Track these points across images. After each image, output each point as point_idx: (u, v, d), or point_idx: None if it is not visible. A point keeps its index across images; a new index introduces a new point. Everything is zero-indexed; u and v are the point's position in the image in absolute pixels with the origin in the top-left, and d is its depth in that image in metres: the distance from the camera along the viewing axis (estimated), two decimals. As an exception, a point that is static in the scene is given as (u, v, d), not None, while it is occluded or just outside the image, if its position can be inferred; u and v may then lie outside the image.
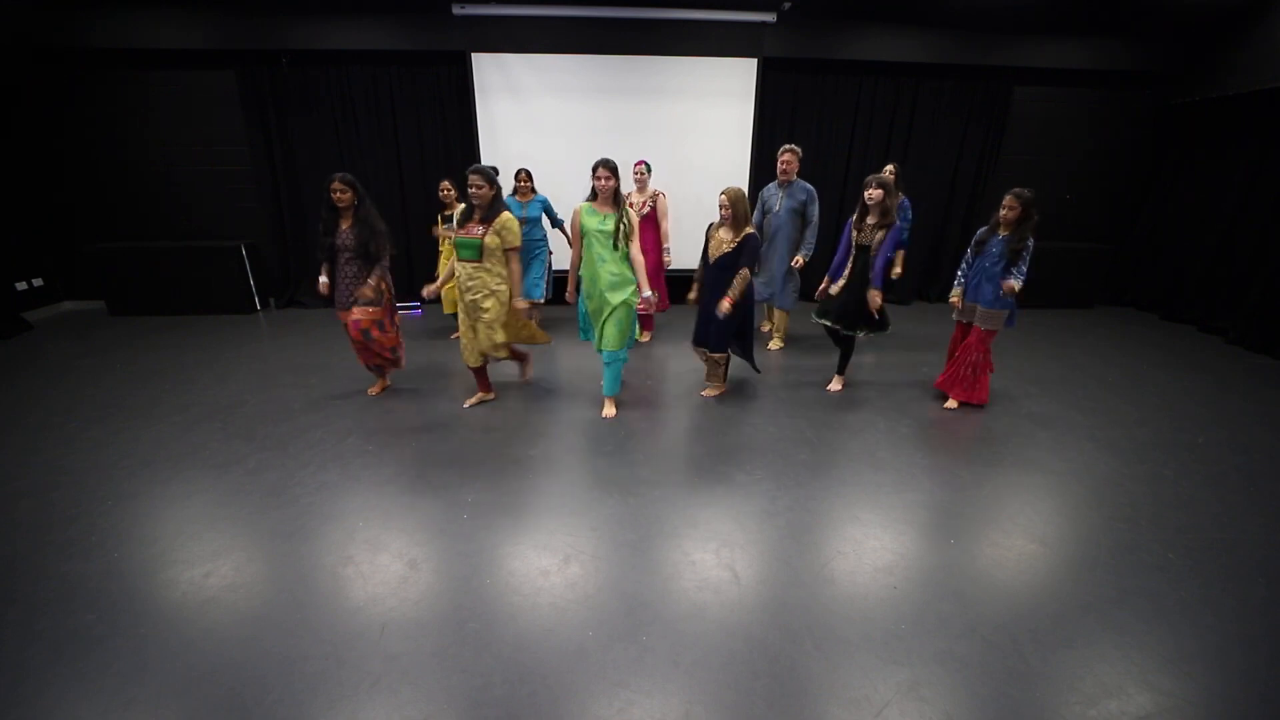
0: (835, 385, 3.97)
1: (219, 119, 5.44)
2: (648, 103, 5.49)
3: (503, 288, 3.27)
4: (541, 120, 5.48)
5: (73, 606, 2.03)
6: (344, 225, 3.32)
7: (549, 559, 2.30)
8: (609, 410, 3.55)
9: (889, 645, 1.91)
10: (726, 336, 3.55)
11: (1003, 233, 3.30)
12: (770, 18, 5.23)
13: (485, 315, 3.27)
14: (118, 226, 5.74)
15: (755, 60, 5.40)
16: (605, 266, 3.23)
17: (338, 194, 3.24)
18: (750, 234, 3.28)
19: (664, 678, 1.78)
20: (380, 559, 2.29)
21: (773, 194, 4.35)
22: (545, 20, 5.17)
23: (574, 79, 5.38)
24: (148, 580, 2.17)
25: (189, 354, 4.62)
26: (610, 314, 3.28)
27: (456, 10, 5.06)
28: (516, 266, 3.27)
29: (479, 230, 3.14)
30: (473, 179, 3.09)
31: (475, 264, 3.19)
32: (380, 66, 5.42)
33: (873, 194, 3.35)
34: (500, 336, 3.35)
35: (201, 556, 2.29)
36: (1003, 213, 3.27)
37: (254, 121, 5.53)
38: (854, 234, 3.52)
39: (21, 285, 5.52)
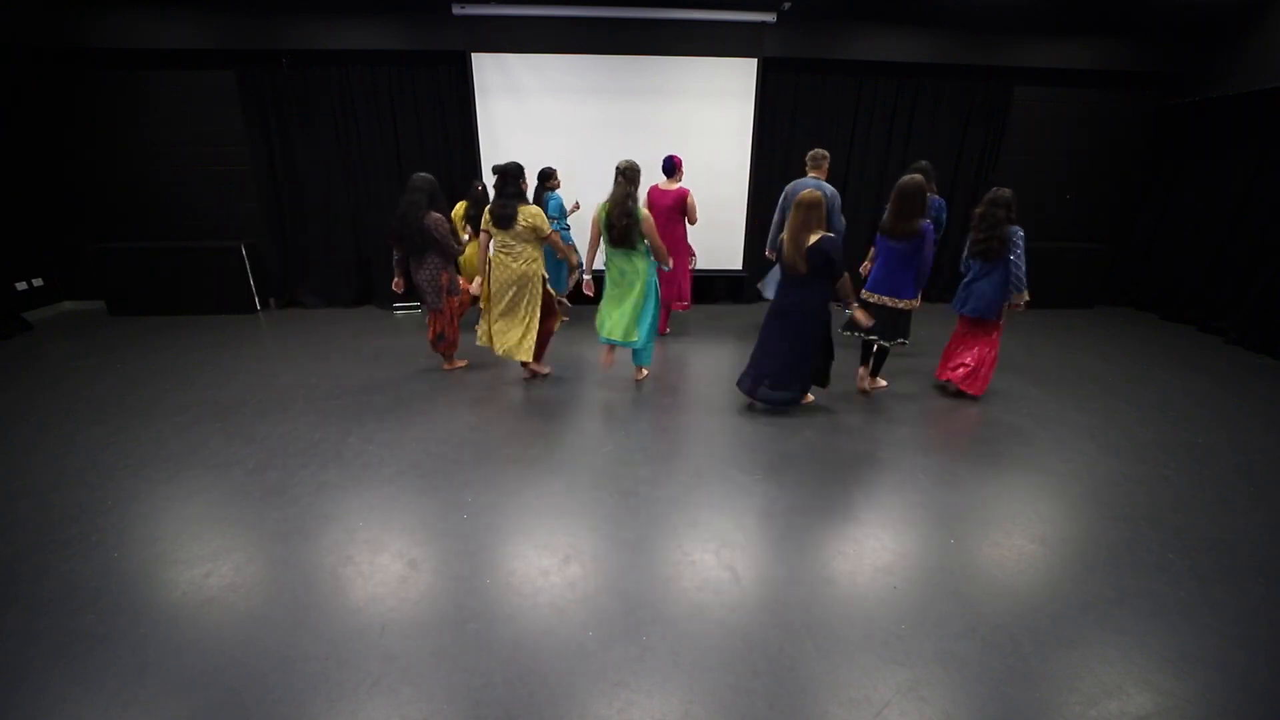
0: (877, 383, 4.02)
1: (219, 119, 5.44)
2: (648, 103, 5.48)
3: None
4: (541, 120, 5.48)
5: (73, 606, 2.03)
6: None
7: (549, 559, 2.30)
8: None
9: (889, 645, 1.91)
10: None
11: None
12: (770, 18, 5.23)
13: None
14: (118, 226, 5.73)
15: (755, 60, 5.39)
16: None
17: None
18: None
19: (664, 678, 1.78)
20: (380, 559, 2.29)
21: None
22: (545, 20, 5.16)
23: (574, 79, 5.37)
24: (148, 580, 2.17)
25: (189, 354, 4.62)
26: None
27: (456, 10, 5.05)
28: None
29: None
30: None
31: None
32: (380, 66, 5.41)
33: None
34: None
35: (201, 556, 2.30)
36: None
37: (254, 121, 5.53)
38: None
39: (21, 285, 5.51)
